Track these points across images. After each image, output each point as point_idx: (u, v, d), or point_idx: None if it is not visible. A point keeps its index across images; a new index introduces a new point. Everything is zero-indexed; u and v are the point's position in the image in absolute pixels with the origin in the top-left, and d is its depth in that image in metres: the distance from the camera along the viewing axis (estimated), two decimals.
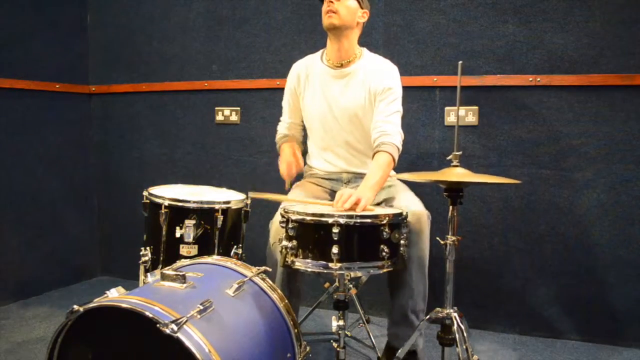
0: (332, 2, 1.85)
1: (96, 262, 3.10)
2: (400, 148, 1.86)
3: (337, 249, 1.41)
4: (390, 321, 1.86)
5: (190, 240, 1.74)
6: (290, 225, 1.49)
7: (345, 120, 1.96)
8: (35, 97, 2.71)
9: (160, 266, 1.74)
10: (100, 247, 3.11)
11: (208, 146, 2.83)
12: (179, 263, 1.53)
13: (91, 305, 1.14)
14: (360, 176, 2.00)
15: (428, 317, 1.59)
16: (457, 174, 1.50)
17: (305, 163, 2.12)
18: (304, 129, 2.13)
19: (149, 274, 1.46)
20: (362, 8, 1.93)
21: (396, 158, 1.84)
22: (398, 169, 1.96)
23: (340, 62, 1.96)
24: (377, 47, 2.42)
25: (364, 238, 1.46)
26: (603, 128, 2.20)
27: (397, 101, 1.92)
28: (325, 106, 1.98)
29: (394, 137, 1.84)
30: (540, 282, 2.32)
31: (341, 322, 1.57)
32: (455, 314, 1.53)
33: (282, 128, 2.14)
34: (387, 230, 1.46)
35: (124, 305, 1.12)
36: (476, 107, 2.35)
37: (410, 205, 1.79)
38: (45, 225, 2.79)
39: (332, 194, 2.01)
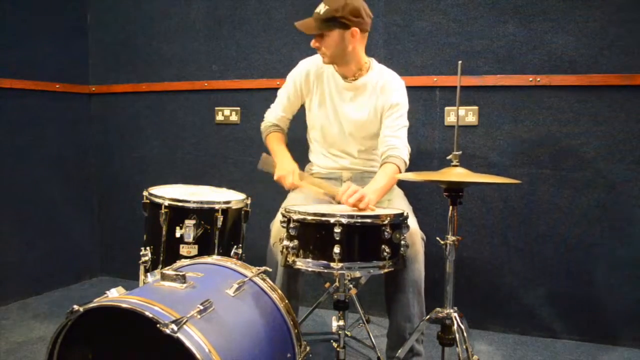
0: (318, 47, 1.87)
1: (96, 262, 3.10)
2: (408, 162, 1.89)
3: (338, 248, 1.41)
4: (390, 343, 1.80)
5: (190, 240, 1.74)
6: (291, 225, 1.49)
7: (350, 131, 1.98)
8: (35, 97, 2.71)
9: (160, 266, 1.74)
10: (100, 247, 3.11)
11: (208, 146, 2.83)
12: (179, 263, 1.53)
13: (91, 305, 1.14)
14: (360, 174, 2.02)
15: (428, 317, 1.59)
16: (457, 173, 1.50)
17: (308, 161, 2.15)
18: (291, 122, 2.14)
19: (149, 274, 1.46)
20: (348, 29, 1.79)
21: (403, 171, 1.86)
22: None
23: (348, 76, 1.96)
24: (377, 47, 2.43)
25: (365, 238, 1.46)
26: (603, 128, 2.20)
27: (404, 116, 1.94)
28: (332, 115, 1.99)
29: (401, 150, 1.87)
30: (540, 282, 2.32)
31: (341, 322, 1.57)
32: (455, 314, 1.53)
33: (271, 117, 2.11)
34: (388, 230, 1.46)
35: (124, 305, 1.12)
36: (476, 107, 2.35)
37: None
38: (45, 225, 2.79)
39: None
